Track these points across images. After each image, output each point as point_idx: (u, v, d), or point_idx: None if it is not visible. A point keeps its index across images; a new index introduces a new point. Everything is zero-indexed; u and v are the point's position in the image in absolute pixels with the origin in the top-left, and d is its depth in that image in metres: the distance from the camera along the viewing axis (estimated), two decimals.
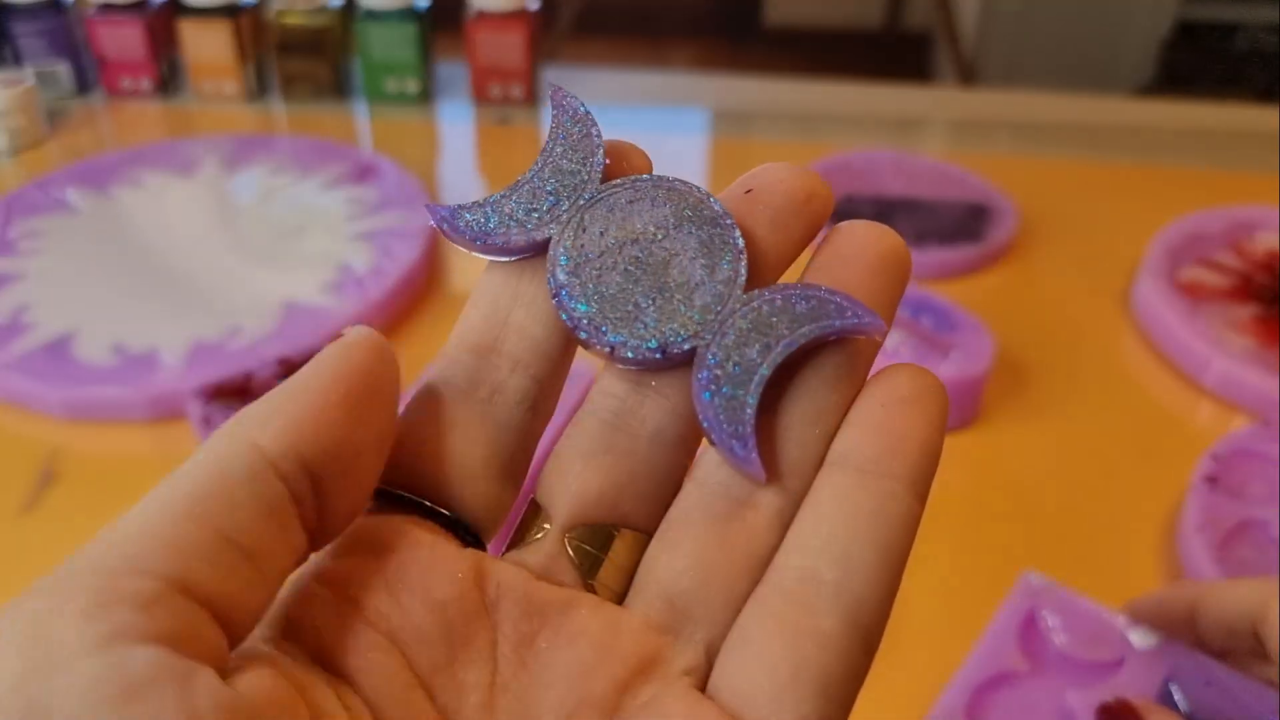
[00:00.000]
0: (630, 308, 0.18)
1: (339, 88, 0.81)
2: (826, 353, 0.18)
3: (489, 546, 0.19)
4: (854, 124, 0.80)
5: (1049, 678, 0.34)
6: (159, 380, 0.51)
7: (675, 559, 0.17)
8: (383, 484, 0.18)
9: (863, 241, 0.18)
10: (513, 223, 0.18)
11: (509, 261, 0.19)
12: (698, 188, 0.18)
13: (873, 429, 0.17)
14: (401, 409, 0.18)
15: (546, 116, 0.80)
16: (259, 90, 0.82)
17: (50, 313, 0.55)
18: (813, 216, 0.18)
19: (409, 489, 0.18)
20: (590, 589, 0.18)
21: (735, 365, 0.17)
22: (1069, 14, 1.53)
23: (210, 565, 0.14)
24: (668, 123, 0.81)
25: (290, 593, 0.17)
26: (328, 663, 0.16)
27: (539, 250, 0.18)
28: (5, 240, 0.62)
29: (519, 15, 0.77)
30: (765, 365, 0.17)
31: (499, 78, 0.79)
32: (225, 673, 0.14)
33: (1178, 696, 0.30)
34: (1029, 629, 0.35)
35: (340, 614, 0.16)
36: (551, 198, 0.18)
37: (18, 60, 0.79)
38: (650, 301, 0.18)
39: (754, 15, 2.12)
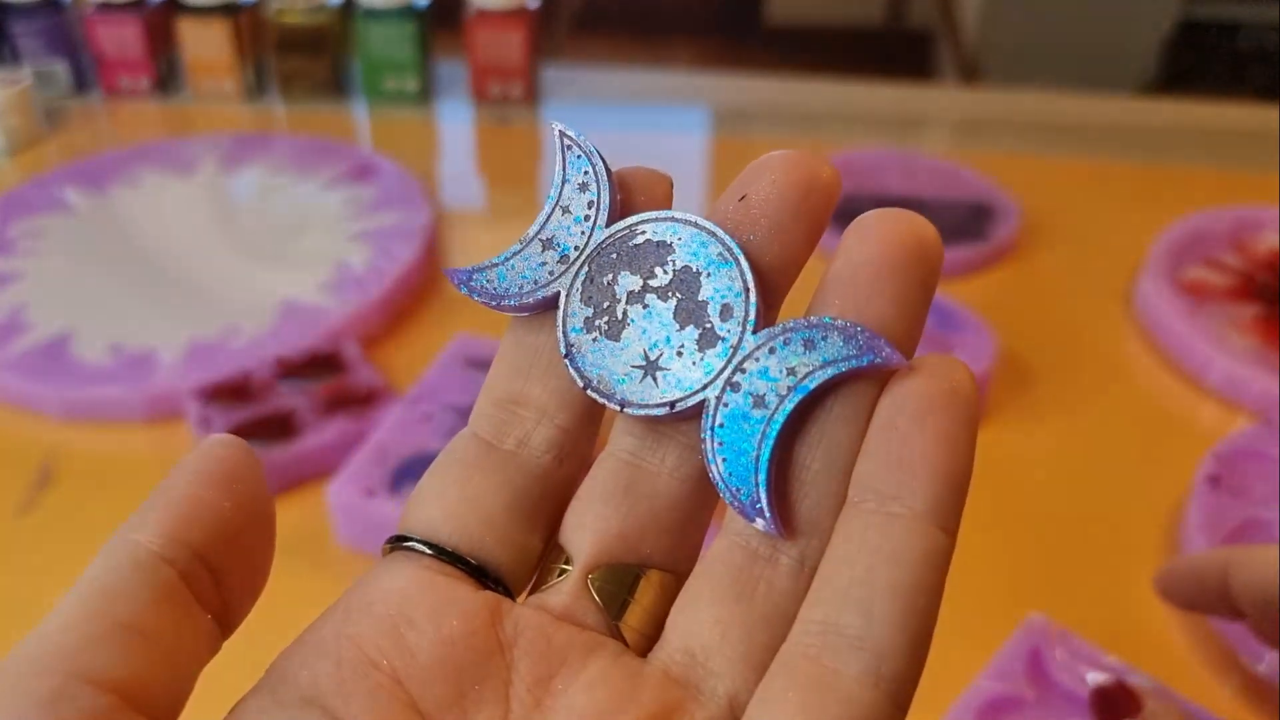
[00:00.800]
0: (640, 362, 0.17)
1: (338, 86, 0.81)
2: (845, 388, 0.17)
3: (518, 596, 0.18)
4: (855, 123, 0.80)
5: (1053, 708, 0.35)
6: (157, 380, 0.50)
7: (697, 610, 0.17)
8: (403, 532, 0.18)
9: (882, 237, 0.17)
10: (525, 280, 0.18)
11: (529, 316, 0.19)
12: (704, 221, 0.18)
13: (887, 459, 0.16)
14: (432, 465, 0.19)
15: (547, 115, 0.79)
16: (257, 89, 0.82)
17: (48, 312, 0.55)
18: (813, 211, 0.17)
19: (432, 539, 0.18)
20: (617, 632, 0.17)
21: (745, 418, 0.17)
22: (1071, 12, 1.53)
23: (113, 654, 0.15)
24: (668, 121, 0.80)
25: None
26: (324, 706, 0.16)
27: (553, 304, 0.18)
28: (3, 239, 0.61)
29: (519, 13, 0.77)
30: (777, 416, 0.16)
31: (498, 76, 0.79)
32: None
33: None
34: (1034, 663, 0.36)
35: (338, 656, 0.16)
36: (561, 248, 0.18)
37: (15, 59, 0.79)
38: (658, 354, 0.17)
39: (755, 13, 2.12)
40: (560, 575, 0.18)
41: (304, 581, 0.34)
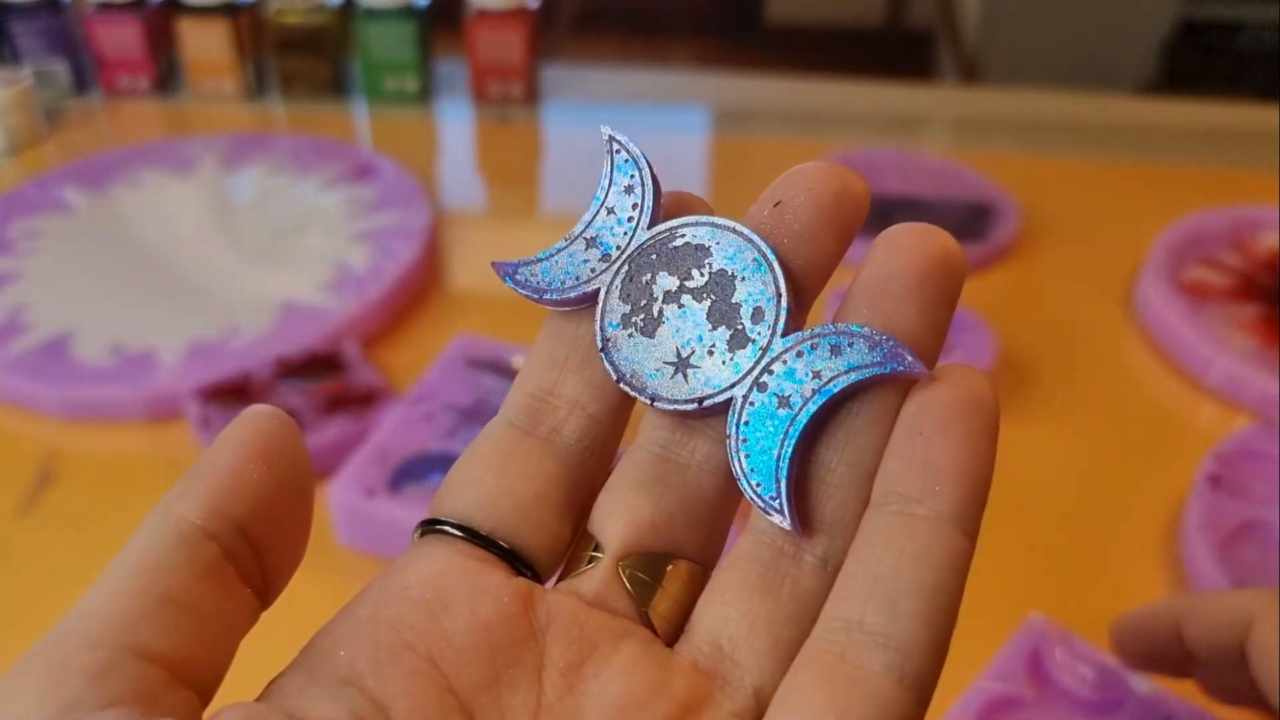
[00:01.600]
0: (673, 358, 0.18)
1: (338, 86, 0.81)
2: (869, 393, 0.17)
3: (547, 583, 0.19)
4: (855, 123, 0.80)
5: (1053, 708, 0.35)
6: (157, 380, 0.50)
7: (725, 604, 0.18)
8: (435, 515, 0.18)
9: (907, 251, 0.17)
10: (568, 276, 0.19)
11: (567, 311, 0.19)
12: (742, 227, 0.18)
13: (912, 462, 0.16)
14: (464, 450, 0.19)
15: (547, 115, 0.79)
16: (257, 89, 0.82)
17: (48, 312, 0.55)
18: (845, 221, 0.18)
19: (466, 523, 0.18)
20: (646, 618, 0.18)
21: (769, 420, 0.17)
22: (1071, 12, 1.53)
23: (159, 628, 0.15)
24: (668, 121, 0.80)
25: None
26: (361, 687, 0.16)
27: (592, 300, 0.19)
28: (3, 239, 0.61)
29: (519, 13, 0.77)
30: (801, 416, 0.17)
31: (499, 76, 0.79)
32: None
33: None
34: (1034, 664, 0.36)
35: (375, 638, 0.17)
36: (604, 247, 0.19)
37: (16, 59, 0.79)
38: (690, 351, 0.18)
39: (755, 13, 2.12)
40: (590, 563, 0.18)
41: (304, 581, 0.34)
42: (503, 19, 0.77)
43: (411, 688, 0.16)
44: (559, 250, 0.19)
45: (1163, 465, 0.47)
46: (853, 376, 0.17)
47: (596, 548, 0.18)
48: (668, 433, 0.19)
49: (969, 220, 0.63)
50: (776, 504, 0.17)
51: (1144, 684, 0.34)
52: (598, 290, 0.19)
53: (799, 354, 0.17)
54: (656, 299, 0.18)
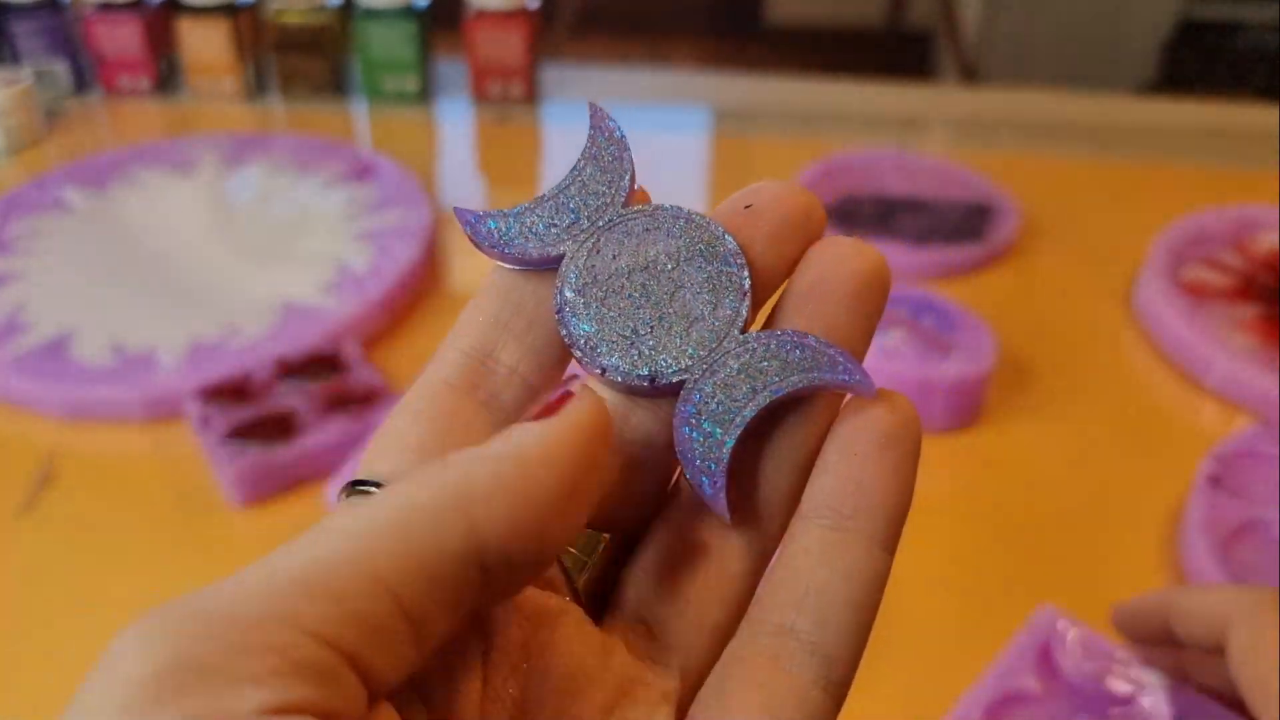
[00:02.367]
0: (628, 333, 0.18)
1: (338, 86, 0.81)
2: (812, 401, 0.18)
3: None
4: (855, 122, 0.80)
5: (1062, 701, 0.35)
6: (157, 380, 0.50)
7: (653, 582, 0.18)
8: (365, 476, 0.17)
9: (842, 264, 0.18)
10: (532, 235, 0.19)
11: (521, 270, 0.19)
12: (715, 224, 0.19)
13: (847, 480, 0.17)
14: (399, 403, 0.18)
15: (547, 115, 0.79)
16: (257, 89, 0.82)
17: (48, 312, 0.55)
18: (810, 234, 0.19)
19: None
20: (577, 595, 0.18)
21: (719, 404, 0.18)
22: (1071, 12, 1.53)
23: (379, 640, 0.13)
24: (668, 121, 0.80)
25: None
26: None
27: (552, 265, 0.19)
28: (3, 239, 0.61)
29: (518, 13, 0.77)
30: (749, 409, 0.18)
31: (498, 76, 0.79)
32: None
33: None
34: (1044, 657, 0.36)
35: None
36: (574, 215, 0.19)
37: (15, 59, 0.79)
38: (649, 330, 0.18)
39: (755, 13, 2.12)
40: None
41: None
42: (502, 19, 0.77)
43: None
44: (526, 209, 0.19)
45: (1163, 465, 0.47)
46: (801, 381, 0.17)
47: None
48: (609, 406, 0.18)
49: (969, 220, 0.63)
50: (715, 489, 0.17)
51: (1156, 677, 0.33)
52: (561, 256, 0.19)
53: (754, 350, 0.18)
54: (621, 275, 0.18)
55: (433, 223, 0.62)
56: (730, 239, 0.18)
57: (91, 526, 0.45)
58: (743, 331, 0.18)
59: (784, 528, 0.18)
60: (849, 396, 0.18)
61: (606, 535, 0.18)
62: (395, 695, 0.15)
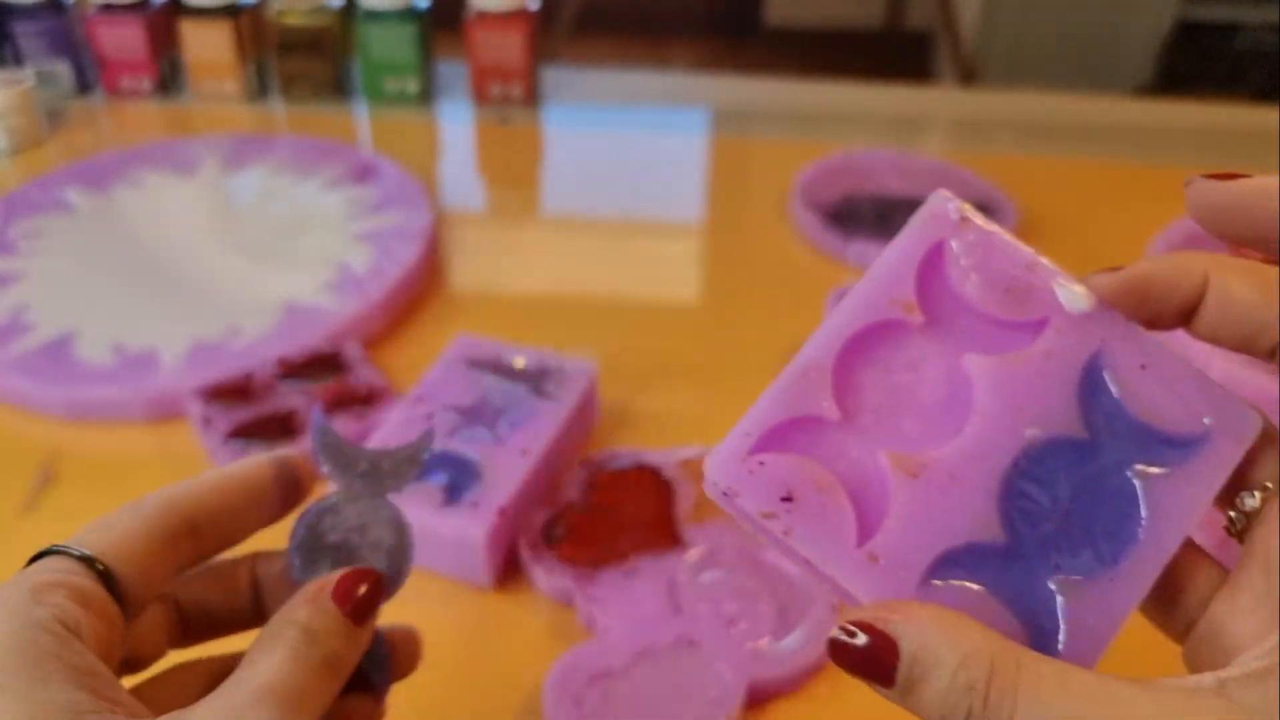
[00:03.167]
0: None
1: (339, 87, 0.81)
2: None
3: None
4: (854, 123, 0.80)
5: (945, 335, 0.24)
6: (159, 380, 0.51)
7: None
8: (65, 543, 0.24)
9: None
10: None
11: None
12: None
13: None
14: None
15: (547, 116, 0.80)
16: (259, 90, 0.82)
17: (50, 313, 0.55)
18: None
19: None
20: None
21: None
22: (1069, 14, 1.53)
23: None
24: (668, 122, 0.81)
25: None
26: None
27: None
28: (5, 240, 0.62)
29: (519, 15, 0.77)
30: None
31: (499, 77, 0.79)
32: None
33: (1107, 376, 0.23)
34: (932, 270, 0.25)
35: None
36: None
37: (18, 60, 0.79)
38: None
39: (754, 15, 2.12)
40: None
41: None
42: (503, 20, 0.77)
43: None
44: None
45: None
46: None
47: None
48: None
49: None
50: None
51: (1078, 298, 0.24)
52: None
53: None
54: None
55: (433, 223, 0.62)
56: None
57: None
58: None
59: None
60: None
61: None
62: None
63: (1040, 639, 0.21)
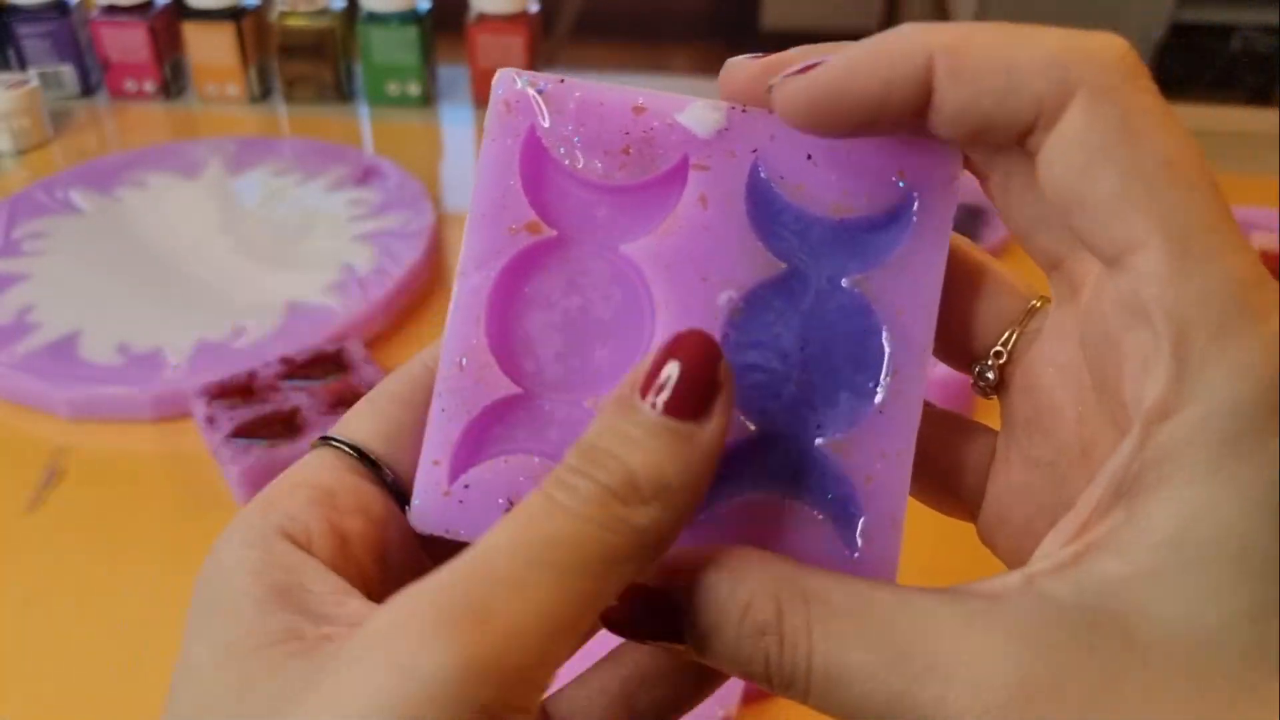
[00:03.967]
0: None
1: (341, 90, 0.81)
2: None
3: None
4: None
5: (588, 235, 0.20)
6: (163, 380, 0.51)
7: None
8: (337, 433, 0.20)
9: None
10: None
11: None
12: None
13: None
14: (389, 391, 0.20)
15: None
16: (262, 93, 0.82)
17: (55, 313, 0.56)
18: None
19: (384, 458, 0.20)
20: None
21: None
22: (1063, 15, 1.54)
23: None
24: None
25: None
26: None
27: None
28: (11, 241, 0.62)
29: (520, 18, 0.78)
30: None
31: None
32: None
33: (775, 189, 0.19)
34: (536, 169, 0.20)
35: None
36: None
37: (22, 62, 0.80)
38: None
39: (751, 18, 2.13)
40: None
41: None
42: (504, 24, 0.78)
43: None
44: None
45: None
46: None
47: None
48: None
49: (963, 221, 0.64)
50: None
51: (707, 118, 0.20)
52: None
53: None
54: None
55: (435, 224, 0.63)
56: None
57: (98, 525, 0.46)
58: None
59: None
60: None
61: None
62: None
63: (843, 515, 0.19)
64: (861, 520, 0.18)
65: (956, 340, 0.20)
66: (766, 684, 0.16)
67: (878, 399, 0.19)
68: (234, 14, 0.79)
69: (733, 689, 0.37)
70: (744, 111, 0.19)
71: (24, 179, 0.71)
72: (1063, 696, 0.14)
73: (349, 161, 0.70)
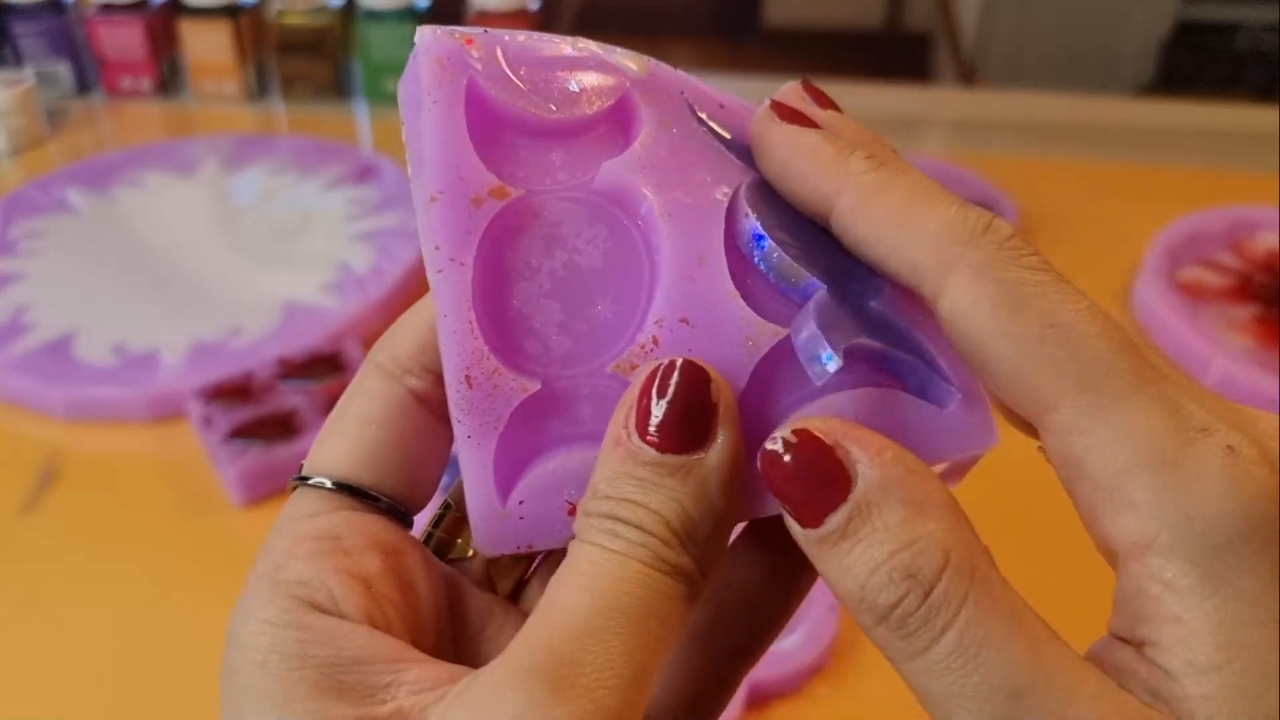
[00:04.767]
0: None
1: (339, 88, 0.81)
2: None
3: None
4: None
5: (552, 184, 0.19)
6: (159, 380, 0.51)
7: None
8: (310, 471, 0.18)
9: None
10: None
11: None
12: None
13: None
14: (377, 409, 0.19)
15: None
16: (259, 90, 0.82)
17: (50, 313, 0.55)
18: None
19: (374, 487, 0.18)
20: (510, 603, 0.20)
21: None
22: (1069, 14, 1.53)
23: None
24: None
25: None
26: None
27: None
28: (6, 240, 0.62)
29: (519, 14, 0.77)
30: None
31: None
32: None
33: (704, 117, 0.20)
34: (486, 127, 0.19)
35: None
36: None
37: (18, 60, 0.79)
38: None
39: (754, 15, 2.12)
40: (471, 550, 0.20)
41: None
42: (504, 20, 0.77)
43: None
44: None
45: None
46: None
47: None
48: None
49: None
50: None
51: (630, 65, 0.20)
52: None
53: None
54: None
55: None
56: None
57: (93, 526, 0.45)
58: None
59: None
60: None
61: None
62: None
63: (930, 382, 0.18)
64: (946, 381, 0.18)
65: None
66: (868, 614, 0.15)
67: None
68: (231, 11, 0.78)
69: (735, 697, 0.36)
70: (659, 64, 0.20)
71: (20, 178, 0.70)
72: None
73: (347, 160, 0.69)
